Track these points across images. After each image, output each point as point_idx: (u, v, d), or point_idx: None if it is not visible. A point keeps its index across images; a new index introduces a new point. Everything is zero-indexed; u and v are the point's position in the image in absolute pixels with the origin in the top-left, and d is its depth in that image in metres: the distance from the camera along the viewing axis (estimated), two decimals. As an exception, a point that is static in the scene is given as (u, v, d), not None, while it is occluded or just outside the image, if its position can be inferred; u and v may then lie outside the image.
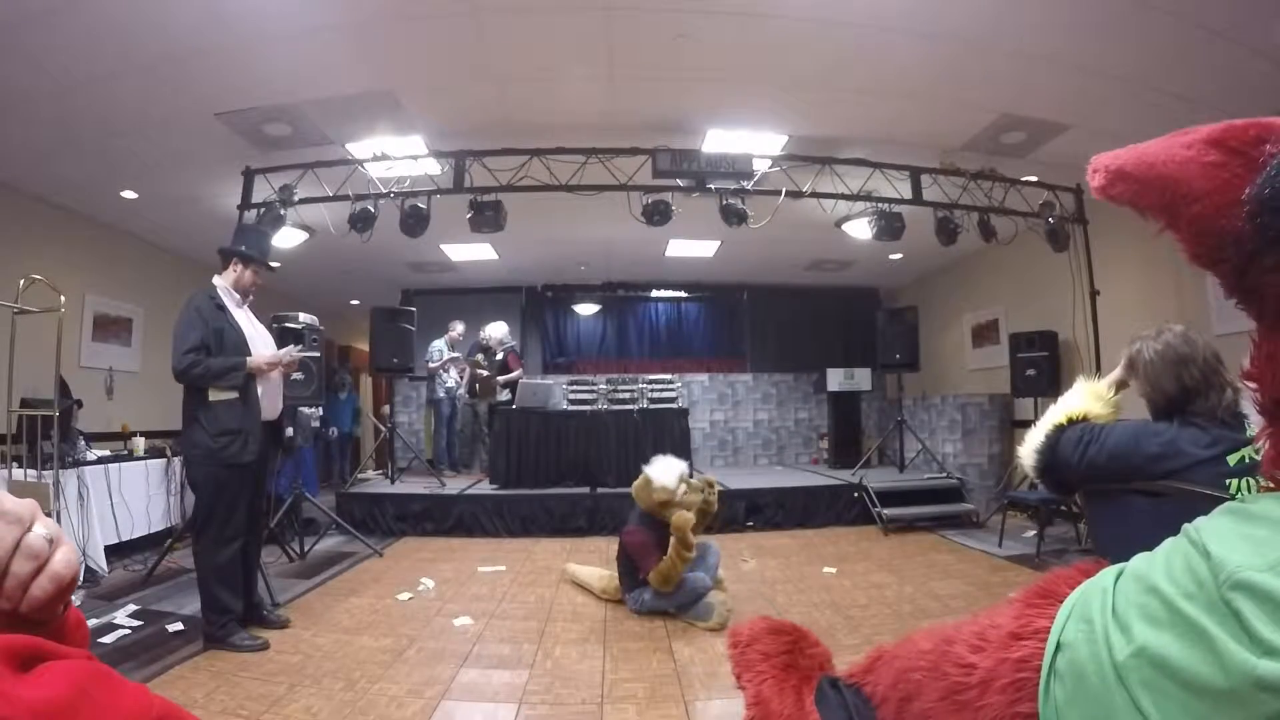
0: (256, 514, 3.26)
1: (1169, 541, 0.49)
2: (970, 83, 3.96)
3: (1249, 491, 1.50)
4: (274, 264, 3.44)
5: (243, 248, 3.24)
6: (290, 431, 4.53)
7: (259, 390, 3.07)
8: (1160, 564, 0.46)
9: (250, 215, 4.62)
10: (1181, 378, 1.69)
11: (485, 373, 7.26)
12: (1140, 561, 0.50)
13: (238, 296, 3.19)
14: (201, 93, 3.86)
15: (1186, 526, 0.49)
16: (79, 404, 4.69)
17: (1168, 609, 0.42)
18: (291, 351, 3.18)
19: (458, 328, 7.41)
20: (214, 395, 2.96)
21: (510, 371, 7.29)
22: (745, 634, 1.14)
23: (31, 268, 4.07)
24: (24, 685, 0.37)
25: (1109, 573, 0.54)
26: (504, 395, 7.26)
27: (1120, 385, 1.85)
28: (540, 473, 6.15)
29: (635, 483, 3.53)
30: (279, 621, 3.20)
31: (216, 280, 3.20)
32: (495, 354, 7.37)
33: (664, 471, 3.43)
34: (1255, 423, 0.53)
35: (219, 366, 2.95)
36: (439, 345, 7.28)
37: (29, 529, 0.44)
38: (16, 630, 0.41)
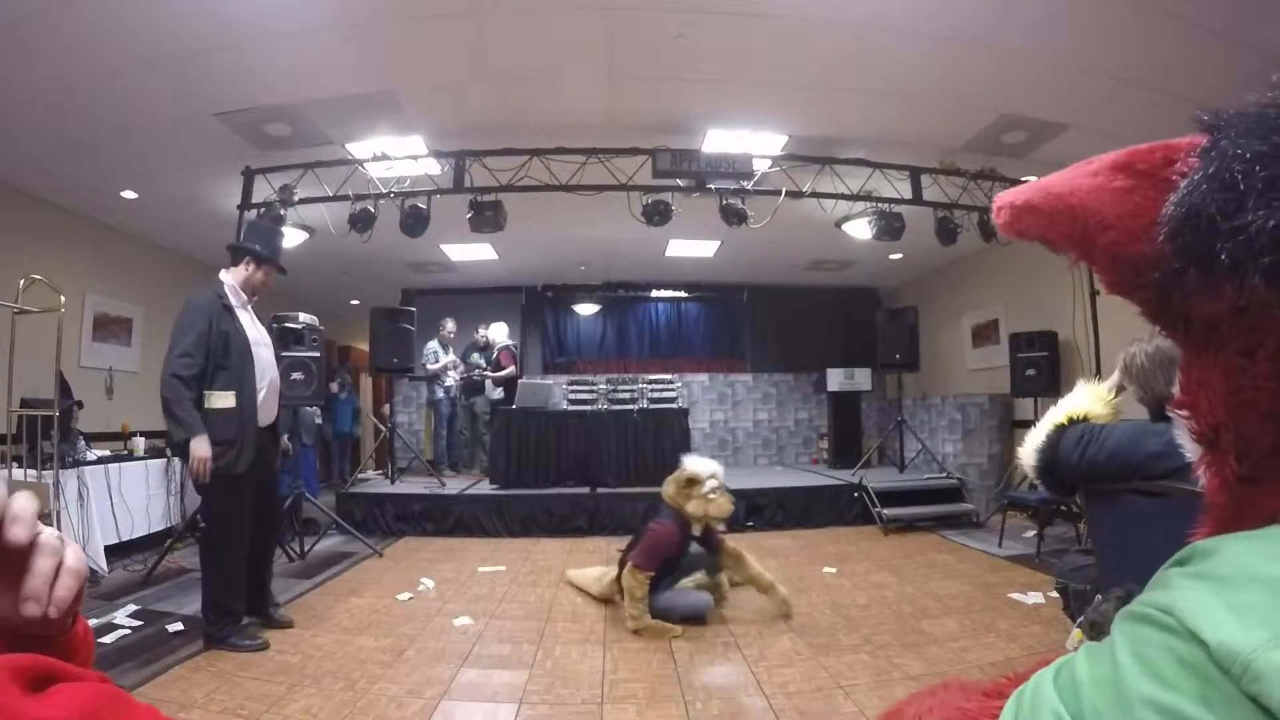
0: (272, 513, 3.26)
1: (1117, 636, 0.39)
2: (970, 83, 3.96)
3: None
4: (285, 269, 3.37)
5: (256, 247, 3.16)
6: (286, 438, 4.52)
7: (259, 397, 3.04)
8: (1129, 663, 0.36)
9: (250, 215, 4.62)
10: (1173, 380, 1.70)
11: (479, 370, 7.31)
12: (1086, 666, 0.39)
13: (244, 296, 3.10)
14: (201, 93, 3.86)
15: (1143, 610, 0.38)
16: (79, 405, 4.69)
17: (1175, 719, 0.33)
18: (202, 466, 2.86)
19: (448, 325, 7.40)
20: (210, 403, 2.89)
21: (503, 369, 7.31)
22: None
23: (31, 268, 4.07)
24: (36, 706, 0.37)
25: (1038, 684, 0.43)
26: (497, 394, 7.28)
27: (1119, 389, 1.87)
28: (540, 473, 6.15)
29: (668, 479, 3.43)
30: (283, 621, 3.20)
31: (224, 277, 3.10)
32: (491, 352, 7.40)
33: (699, 462, 3.33)
34: (1190, 452, 0.50)
35: (182, 413, 2.81)
36: (433, 346, 7.28)
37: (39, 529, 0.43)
38: (27, 649, 0.41)
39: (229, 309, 3.00)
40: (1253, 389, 0.41)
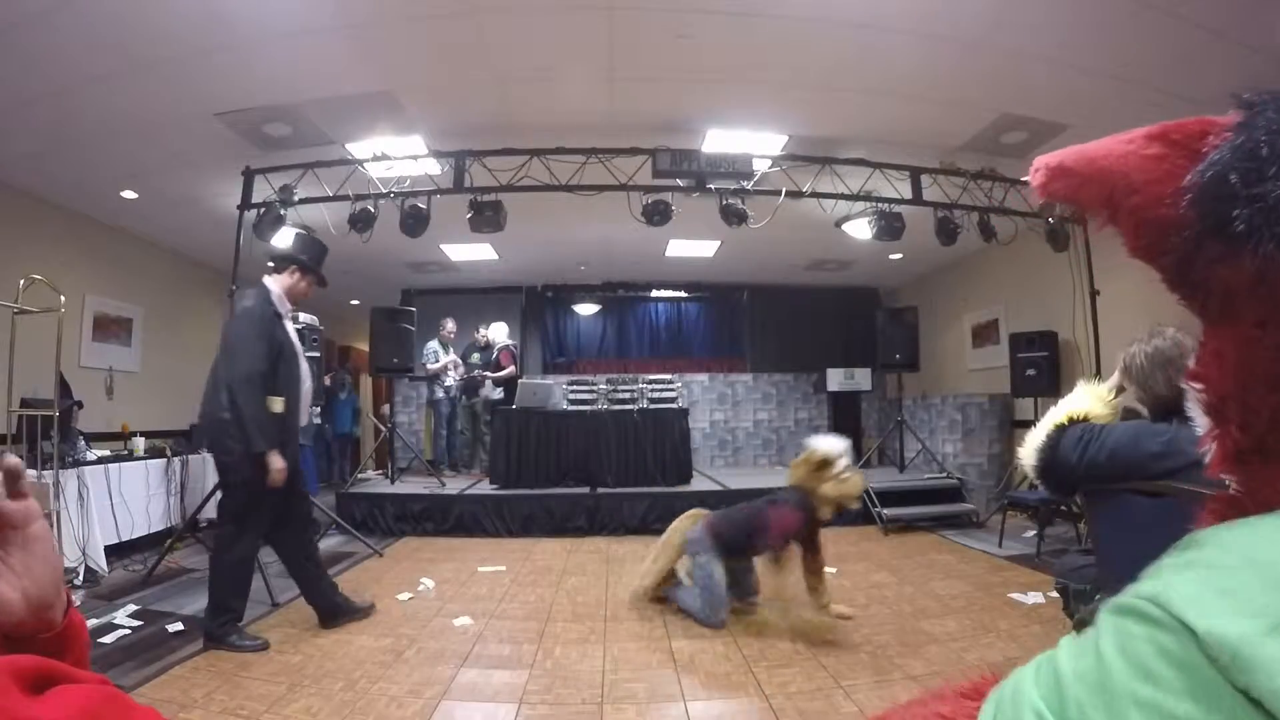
0: (304, 516, 3.31)
1: (1102, 628, 0.37)
2: (970, 83, 3.96)
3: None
4: (327, 281, 3.43)
5: (304, 257, 3.23)
6: None
7: (302, 403, 3.14)
8: (1114, 658, 0.35)
9: (250, 215, 4.62)
10: (1171, 380, 1.71)
11: (479, 370, 7.32)
12: (1068, 661, 0.38)
13: (288, 305, 3.17)
14: (201, 93, 3.86)
15: (1129, 602, 0.37)
16: (79, 405, 4.69)
17: (1161, 716, 0.32)
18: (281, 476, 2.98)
19: (449, 325, 7.40)
20: (268, 408, 2.97)
21: (503, 369, 7.32)
22: None
23: (31, 268, 4.07)
24: (37, 708, 0.37)
25: (1017, 682, 0.41)
26: (497, 394, 7.29)
27: (1119, 389, 1.87)
28: (540, 473, 6.15)
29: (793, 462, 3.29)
30: (364, 607, 3.30)
31: (270, 284, 3.14)
32: (491, 352, 7.41)
33: (826, 441, 3.18)
34: (1201, 425, 0.50)
35: (263, 422, 2.88)
36: (433, 346, 7.28)
37: None
38: (24, 650, 0.41)
39: (279, 316, 3.09)
40: (1262, 360, 0.42)
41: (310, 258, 3.26)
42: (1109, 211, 0.49)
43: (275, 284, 3.15)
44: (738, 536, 3.19)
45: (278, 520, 3.11)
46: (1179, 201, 0.43)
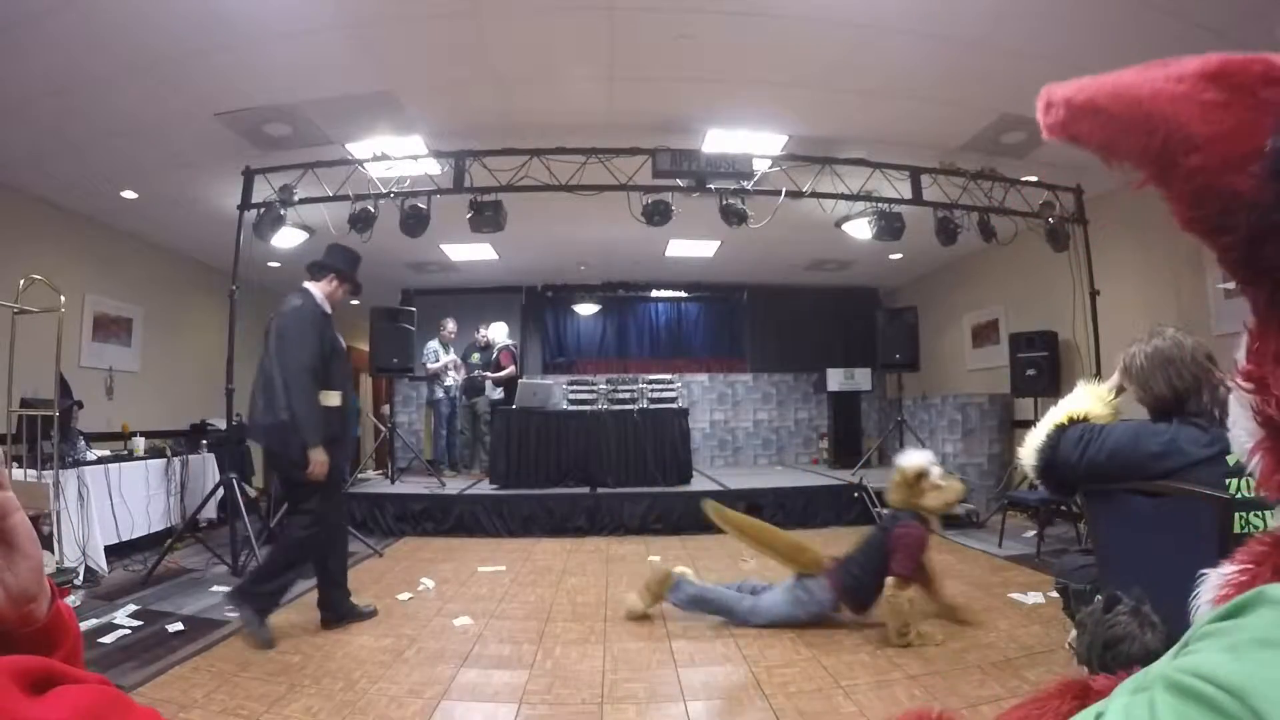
0: (340, 515, 3.40)
1: (1149, 704, 0.30)
2: (970, 83, 3.96)
3: (1248, 492, 1.50)
4: (360, 287, 3.55)
5: (340, 265, 3.35)
6: None
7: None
8: None
9: (250, 215, 4.62)
10: (1171, 380, 1.71)
11: (478, 371, 7.32)
12: None
13: (329, 310, 3.29)
14: (201, 93, 3.86)
15: (1198, 687, 0.29)
16: (79, 405, 4.69)
17: None
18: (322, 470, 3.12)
19: (449, 325, 7.40)
20: (324, 401, 3.10)
21: (503, 369, 7.32)
22: None
23: (31, 268, 4.07)
24: (37, 708, 0.37)
25: None
26: (497, 393, 7.29)
27: (1119, 390, 1.87)
28: (540, 473, 6.15)
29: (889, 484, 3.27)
30: (369, 612, 3.36)
31: (313, 289, 3.26)
32: (491, 352, 7.41)
33: (912, 455, 3.13)
34: (1247, 432, 0.40)
35: (315, 418, 3.01)
36: (433, 346, 7.28)
37: None
38: (9, 646, 0.41)
39: (327, 316, 3.23)
40: None
41: (347, 266, 3.40)
42: (1156, 169, 0.39)
43: (317, 290, 3.27)
44: (867, 580, 3.03)
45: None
46: (1253, 170, 0.35)
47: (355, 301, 9.60)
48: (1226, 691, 0.27)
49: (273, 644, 2.91)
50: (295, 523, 3.15)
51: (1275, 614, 0.30)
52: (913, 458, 3.11)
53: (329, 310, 3.27)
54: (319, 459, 2.99)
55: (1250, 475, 0.41)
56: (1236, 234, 0.37)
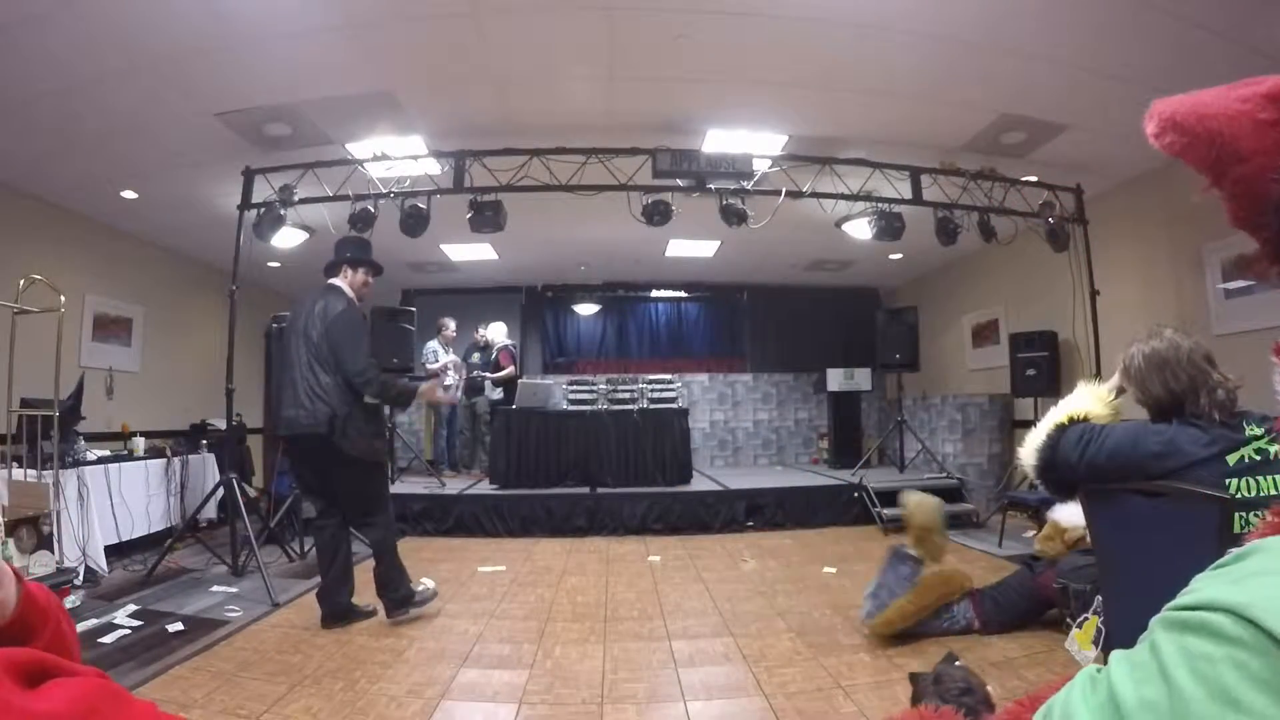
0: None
1: (1165, 649, 0.32)
2: (970, 83, 3.96)
3: (1248, 492, 1.50)
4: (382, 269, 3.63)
5: (348, 254, 3.38)
6: None
7: None
8: (1189, 685, 0.30)
9: (250, 215, 4.62)
10: (1167, 382, 1.72)
11: (478, 371, 7.33)
12: (1129, 687, 0.33)
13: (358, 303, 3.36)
14: (201, 93, 3.86)
15: (1198, 617, 0.31)
16: (75, 409, 4.67)
17: None
18: (450, 376, 3.33)
19: (450, 325, 7.38)
20: (368, 398, 3.20)
21: (502, 369, 7.32)
22: None
23: (31, 268, 4.07)
24: (33, 700, 0.37)
25: (1067, 708, 0.37)
26: (497, 394, 7.29)
27: (1119, 390, 1.87)
28: (540, 473, 6.15)
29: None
30: (368, 611, 3.36)
31: (342, 286, 3.29)
32: (491, 352, 7.41)
33: (1068, 512, 3.12)
34: None
35: (396, 389, 3.20)
36: (433, 346, 7.27)
37: None
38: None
39: (364, 317, 3.32)
40: None
41: (361, 252, 3.45)
42: (1213, 176, 0.46)
43: (347, 286, 3.30)
44: (1008, 619, 3.01)
45: (327, 509, 3.30)
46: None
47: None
48: (1225, 611, 0.30)
49: (435, 594, 3.37)
50: (375, 523, 3.28)
51: (1272, 555, 0.33)
52: (1068, 513, 3.17)
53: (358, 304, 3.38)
54: (432, 388, 3.35)
55: (1252, 477, 0.47)
56: (1271, 230, 0.43)
